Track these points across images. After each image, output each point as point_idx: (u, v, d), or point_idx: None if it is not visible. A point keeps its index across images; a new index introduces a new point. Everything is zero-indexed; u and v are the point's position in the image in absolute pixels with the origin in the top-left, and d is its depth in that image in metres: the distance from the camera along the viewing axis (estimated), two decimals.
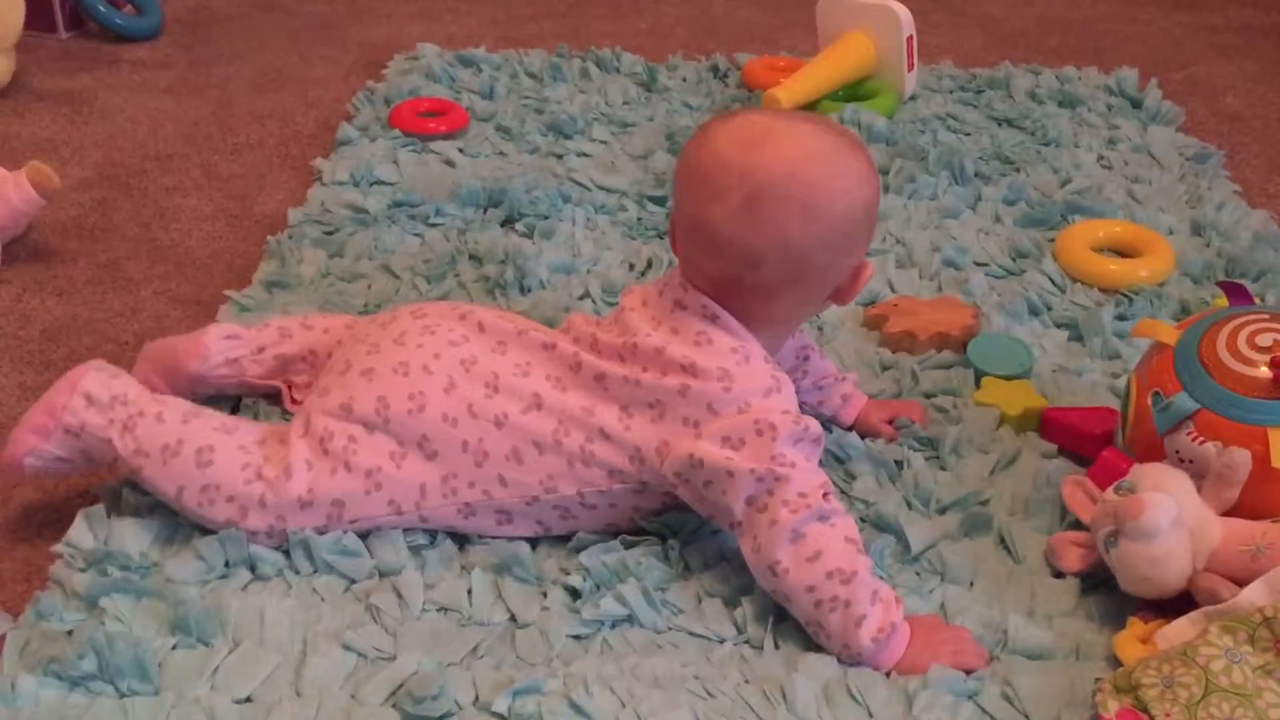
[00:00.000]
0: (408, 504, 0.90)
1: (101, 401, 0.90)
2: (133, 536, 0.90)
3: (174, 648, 0.82)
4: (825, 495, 0.85)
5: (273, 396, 1.05)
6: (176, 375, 1.01)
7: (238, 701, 0.79)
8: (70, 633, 0.82)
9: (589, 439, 0.89)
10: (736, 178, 0.85)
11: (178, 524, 0.92)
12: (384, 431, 0.89)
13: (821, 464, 0.98)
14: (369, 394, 0.90)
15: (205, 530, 0.91)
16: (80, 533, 0.90)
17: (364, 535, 0.91)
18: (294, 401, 1.03)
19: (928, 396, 1.10)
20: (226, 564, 0.89)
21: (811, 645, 0.85)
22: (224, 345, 1.02)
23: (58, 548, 0.89)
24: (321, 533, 0.89)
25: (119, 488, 0.94)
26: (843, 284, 0.91)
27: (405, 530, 0.91)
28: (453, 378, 0.90)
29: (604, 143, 1.54)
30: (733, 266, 0.88)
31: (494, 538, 0.92)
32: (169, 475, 0.88)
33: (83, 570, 0.88)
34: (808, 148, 0.86)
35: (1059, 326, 1.22)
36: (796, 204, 0.85)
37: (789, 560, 0.83)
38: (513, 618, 0.87)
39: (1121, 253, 1.33)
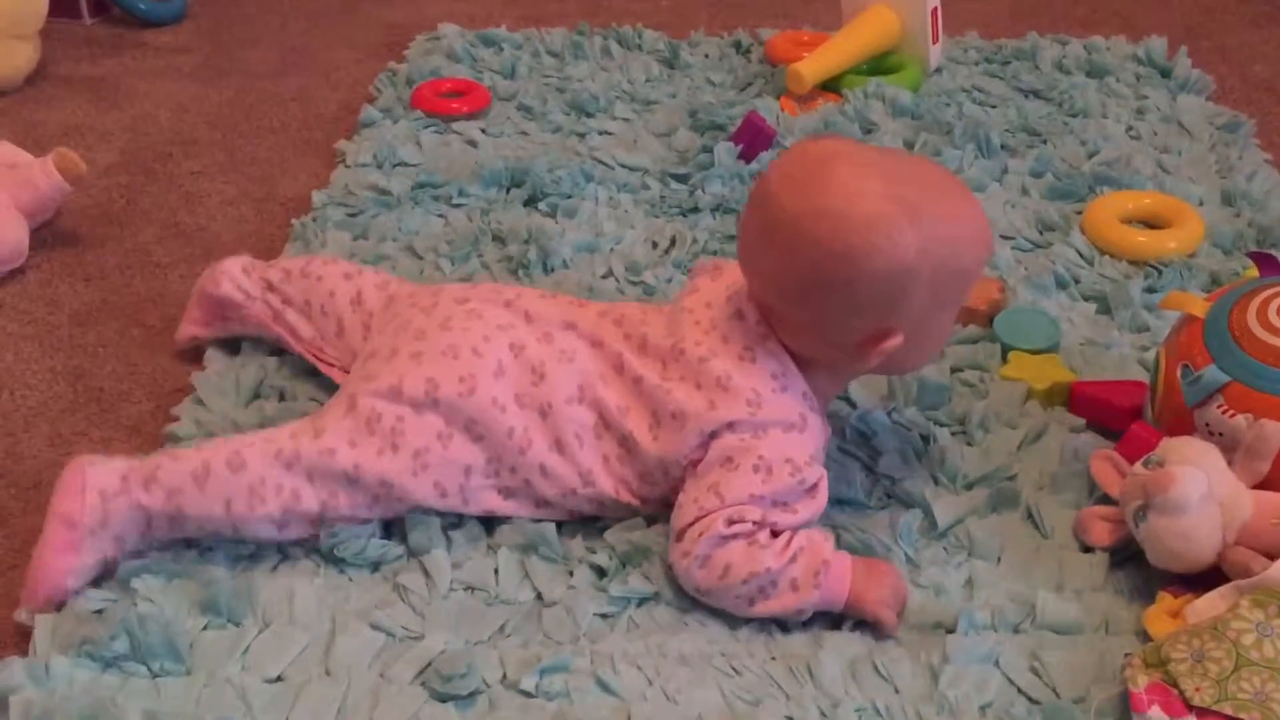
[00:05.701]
0: (452, 486, 0.89)
1: (112, 488, 0.84)
2: None
3: (205, 628, 0.83)
4: (730, 523, 0.84)
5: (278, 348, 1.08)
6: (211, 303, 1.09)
7: (268, 681, 0.80)
8: (102, 613, 0.83)
9: (622, 439, 0.90)
10: (762, 199, 0.86)
11: None
12: (433, 412, 0.88)
13: (842, 450, 0.99)
14: (418, 375, 0.89)
15: None
16: None
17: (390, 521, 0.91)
18: (319, 359, 1.03)
19: (954, 371, 1.09)
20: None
21: (837, 622, 0.85)
22: (240, 276, 1.07)
23: None
24: (365, 520, 0.89)
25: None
26: (860, 342, 0.87)
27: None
28: (502, 362, 0.90)
29: (626, 121, 1.53)
30: (753, 286, 0.90)
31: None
32: (211, 495, 0.85)
33: None
34: (837, 201, 0.83)
35: (1087, 299, 1.21)
36: (805, 246, 0.83)
37: (706, 583, 0.84)
38: (539, 596, 0.87)
39: (1150, 224, 1.31)
